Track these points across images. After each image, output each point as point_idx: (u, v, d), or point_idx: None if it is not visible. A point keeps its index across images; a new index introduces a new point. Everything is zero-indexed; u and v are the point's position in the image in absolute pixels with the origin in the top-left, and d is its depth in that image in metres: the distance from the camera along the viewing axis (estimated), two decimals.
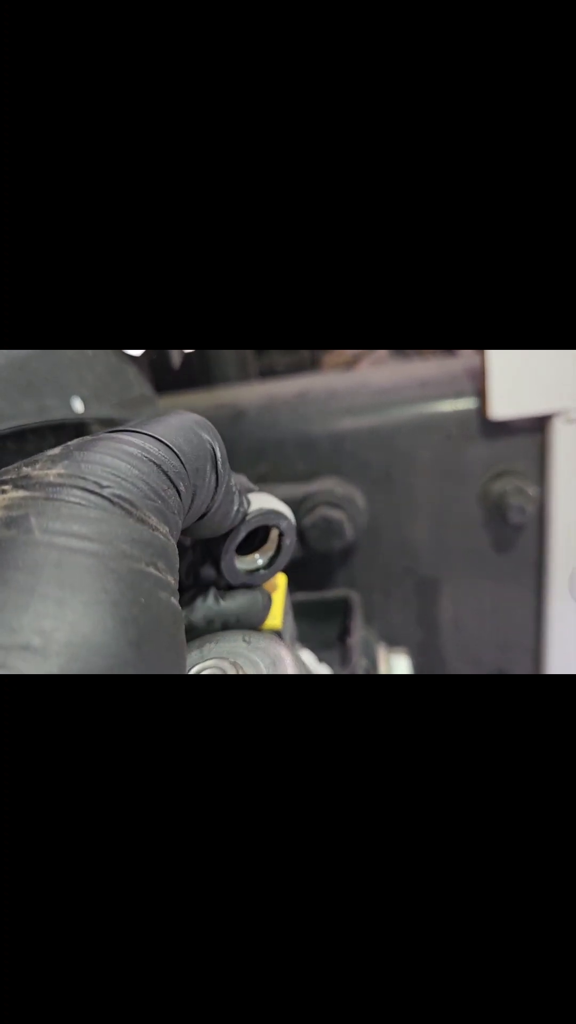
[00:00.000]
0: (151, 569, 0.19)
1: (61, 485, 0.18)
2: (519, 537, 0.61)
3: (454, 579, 0.63)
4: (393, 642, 0.60)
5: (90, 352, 0.39)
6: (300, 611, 0.52)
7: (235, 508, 0.28)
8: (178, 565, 0.21)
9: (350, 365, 0.94)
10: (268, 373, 0.95)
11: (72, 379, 0.36)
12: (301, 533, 0.57)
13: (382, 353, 0.94)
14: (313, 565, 0.62)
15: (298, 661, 0.27)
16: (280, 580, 0.36)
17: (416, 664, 0.62)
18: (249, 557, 0.33)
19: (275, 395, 0.63)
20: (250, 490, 0.31)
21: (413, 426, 0.59)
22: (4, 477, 0.19)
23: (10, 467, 0.20)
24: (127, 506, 0.19)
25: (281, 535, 0.33)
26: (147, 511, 0.20)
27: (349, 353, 0.99)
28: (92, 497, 0.18)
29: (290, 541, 0.33)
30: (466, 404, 0.58)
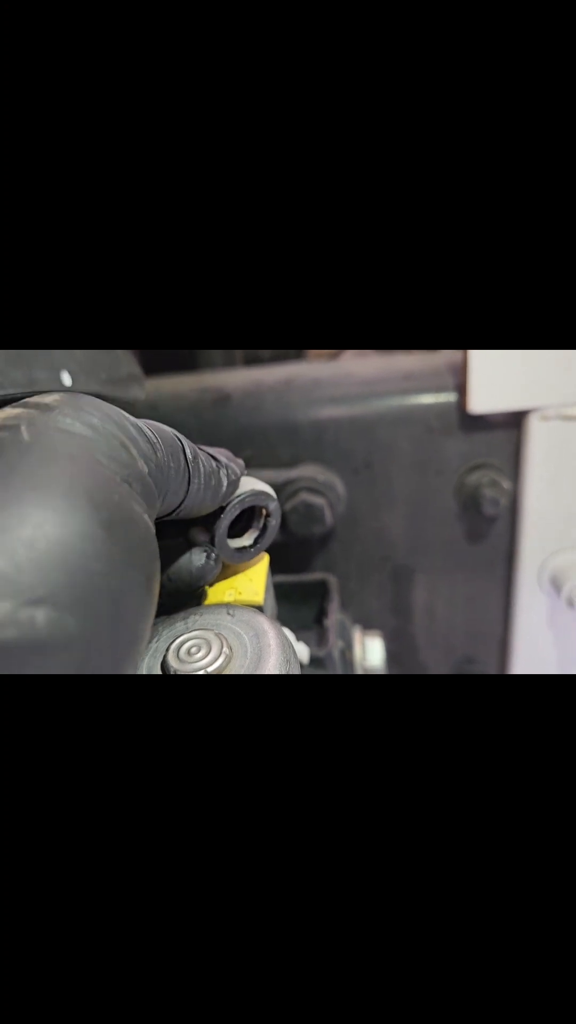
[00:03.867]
0: (126, 486, 0.20)
1: (56, 407, 0.20)
2: (492, 529, 0.62)
3: (428, 568, 0.64)
4: (368, 628, 0.61)
5: None
6: (278, 593, 0.53)
7: (224, 487, 0.29)
8: (155, 504, 0.23)
9: (334, 356, 0.95)
10: (253, 360, 0.95)
11: (62, 353, 0.36)
12: (282, 517, 0.58)
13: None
14: (292, 549, 0.63)
15: (281, 634, 0.28)
16: (263, 559, 0.37)
17: (389, 651, 0.64)
18: (239, 538, 0.34)
19: (260, 381, 0.64)
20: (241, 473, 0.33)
21: (394, 417, 0.60)
22: (2, 402, 0.21)
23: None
24: (109, 434, 0.21)
25: (268, 516, 0.34)
26: (127, 443, 0.22)
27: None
28: (82, 418, 0.20)
29: (275, 522, 0.35)
30: (447, 398, 0.59)
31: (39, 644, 0.15)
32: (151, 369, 0.59)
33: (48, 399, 0.21)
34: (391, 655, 0.65)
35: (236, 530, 0.35)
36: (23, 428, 0.19)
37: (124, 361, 0.43)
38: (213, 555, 0.32)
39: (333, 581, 0.53)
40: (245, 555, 0.35)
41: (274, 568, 0.40)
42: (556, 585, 0.61)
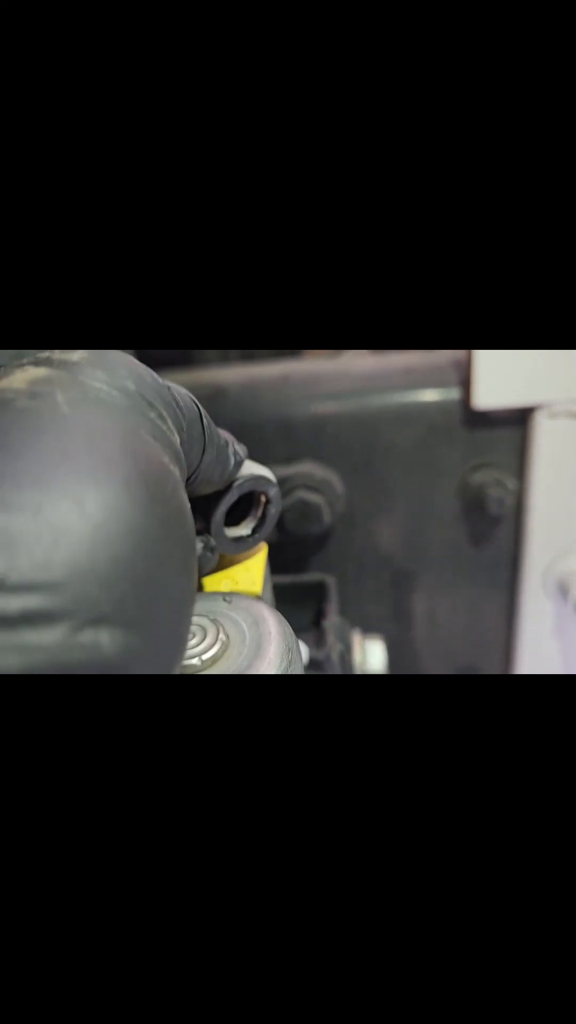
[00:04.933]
0: (173, 468, 0.18)
1: (85, 366, 0.17)
2: (495, 531, 0.60)
3: (429, 571, 0.62)
4: (367, 633, 0.58)
5: None
6: (276, 594, 0.50)
7: (231, 464, 0.27)
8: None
9: (333, 355, 0.94)
10: (249, 358, 0.93)
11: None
12: (279, 516, 0.56)
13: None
14: (289, 549, 0.60)
15: (282, 622, 0.25)
16: (261, 549, 0.34)
17: (388, 659, 0.61)
18: (236, 527, 0.32)
19: (257, 377, 0.62)
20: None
21: (395, 414, 0.58)
22: (22, 360, 0.18)
23: (25, 353, 0.19)
24: (147, 401, 0.19)
25: (267, 503, 0.32)
26: (163, 412, 0.19)
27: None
28: (115, 382, 0.18)
29: (275, 510, 0.33)
30: (450, 394, 0.57)
31: (103, 667, 0.13)
32: (146, 365, 0.57)
33: (74, 356, 0.18)
34: (391, 662, 0.62)
35: (233, 518, 0.32)
36: (59, 397, 0.16)
37: None
38: (210, 544, 0.30)
39: (332, 582, 0.50)
40: (243, 545, 0.32)
41: (270, 568, 0.37)
42: (563, 589, 0.58)
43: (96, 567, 0.13)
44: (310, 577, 0.51)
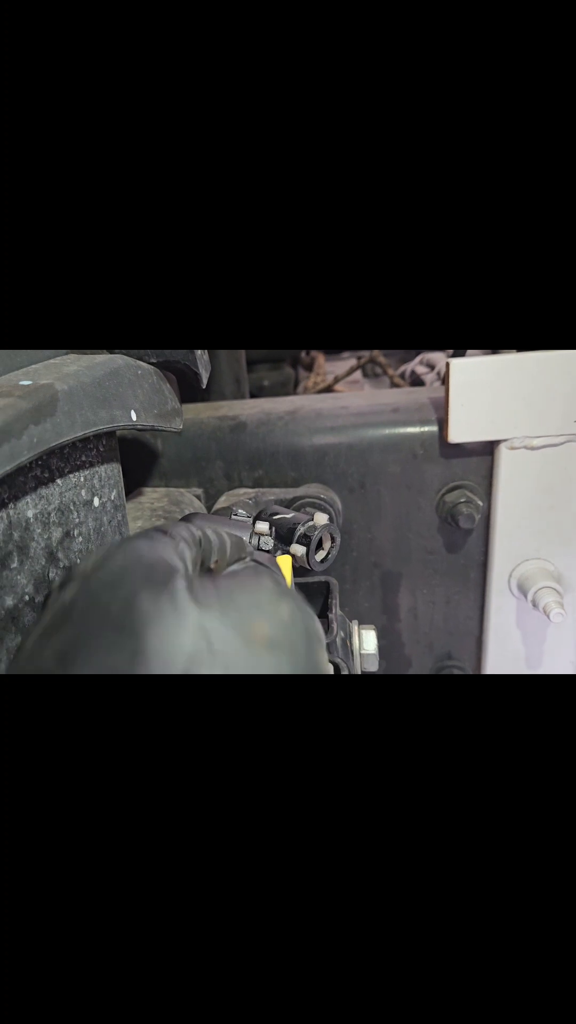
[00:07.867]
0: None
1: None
2: (467, 541, 0.73)
3: (413, 574, 0.74)
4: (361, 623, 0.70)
5: (139, 372, 0.49)
6: None
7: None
8: None
9: (328, 388, 1.06)
10: (257, 388, 1.05)
11: (129, 395, 0.46)
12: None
13: (356, 376, 1.05)
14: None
15: (303, 601, 0.37)
16: (287, 561, 0.47)
17: (379, 646, 0.73)
18: (319, 552, 0.52)
19: (270, 411, 0.74)
20: (318, 507, 0.46)
21: (384, 444, 0.70)
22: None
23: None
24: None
25: (333, 541, 0.52)
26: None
27: (328, 380, 1.10)
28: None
29: (336, 545, 0.53)
30: (429, 429, 0.70)
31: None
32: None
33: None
34: (381, 651, 0.75)
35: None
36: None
37: (169, 398, 0.53)
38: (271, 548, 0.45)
39: (334, 583, 0.63)
40: (322, 565, 0.52)
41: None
42: (523, 590, 0.71)
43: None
44: (317, 578, 0.63)
